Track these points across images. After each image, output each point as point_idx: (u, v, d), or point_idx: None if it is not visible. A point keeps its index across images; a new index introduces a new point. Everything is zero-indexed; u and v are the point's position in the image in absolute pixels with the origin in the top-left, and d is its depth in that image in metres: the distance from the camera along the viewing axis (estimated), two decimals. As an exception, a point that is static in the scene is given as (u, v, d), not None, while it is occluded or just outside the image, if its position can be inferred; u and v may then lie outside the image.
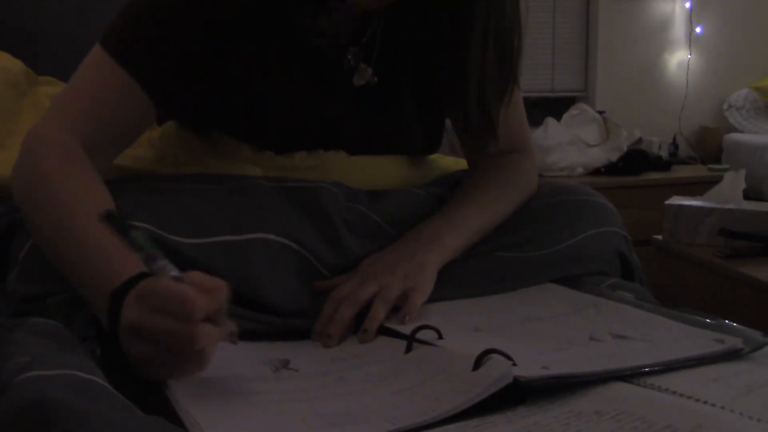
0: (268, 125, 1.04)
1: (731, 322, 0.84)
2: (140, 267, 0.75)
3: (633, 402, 0.64)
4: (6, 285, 0.87)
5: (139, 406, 0.60)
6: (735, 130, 4.46)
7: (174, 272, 0.69)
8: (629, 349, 0.78)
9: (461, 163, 1.25)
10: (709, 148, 4.52)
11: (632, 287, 1.06)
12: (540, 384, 0.66)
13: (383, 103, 1.08)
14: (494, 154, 1.13)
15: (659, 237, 2.47)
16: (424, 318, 0.87)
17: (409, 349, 0.78)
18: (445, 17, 1.00)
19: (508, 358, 0.69)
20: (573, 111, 3.93)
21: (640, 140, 4.06)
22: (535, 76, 4.55)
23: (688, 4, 4.64)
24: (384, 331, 0.86)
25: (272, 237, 0.91)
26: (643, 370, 0.71)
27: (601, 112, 3.94)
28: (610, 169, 3.71)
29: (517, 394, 0.66)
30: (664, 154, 4.18)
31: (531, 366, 0.68)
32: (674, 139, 4.46)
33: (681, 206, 2.38)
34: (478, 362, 0.68)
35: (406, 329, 0.82)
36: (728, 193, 2.36)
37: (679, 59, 4.68)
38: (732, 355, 0.76)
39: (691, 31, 4.66)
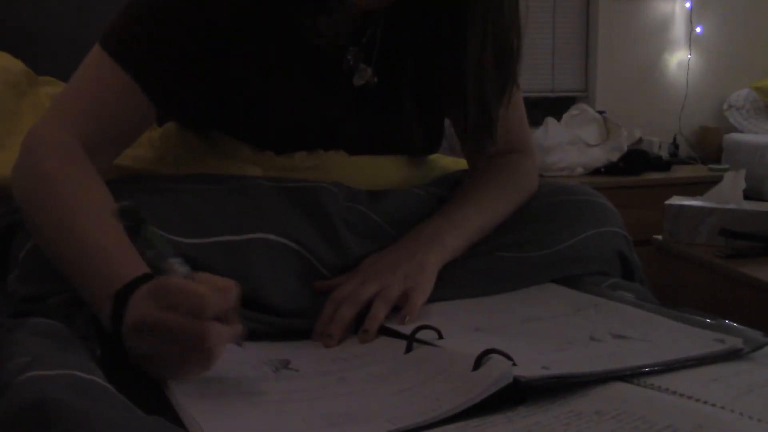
0: (268, 125, 1.03)
1: (731, 322, 0.84)
2: (142, 267, 0.75)
3: (633, 402, 0.64)
4: (6, 285, 0.87)
5: (139, 406, 0.60)
6: (735, 130, 4.46)
7: (185, 270, 0.69)
8: (629, 349, 0.78)
9: (461, 163, 1.25)
10: (710, 148, 4.52)
11: (632, 287, 1.06)
12: (540, 384, 0.66)
13: (383, 103, 1.08)
14: (494, 154, 1.13)
15: (659, 237, 2.47)
16: (424, 318, 0.87)
17: (409, 349, 0.78)
18: (444, 17, 1.00)
19: (509, 358, 0.69)
20: (573, 111, 3.93)
21: (640, 140, 4.06)
22: (536, 76, 4.55)
23: (688, 4, 4.64)
24: (384, 331, 0.86)
25: (272, 237, 0.91)
26: (643, 370, 0.71)
27: (601, 112, 3.94)
28: (610, 169, 3.71)
29: (518, 394, 0.66)
30: (664, 154, 4.19)
31: (531, 366, 0.68)
32: (674, 139, 4.47)
33: (681, 206, 2.38)
34: (479, 362, 0.68)
35: (407, 329, 0.82)
36: (728, 193, 2.36)
37: (680, 59, 4.68)
38: (732, 355, 0.76)
39: (691, 31, 4.66)
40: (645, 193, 3.56)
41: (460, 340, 0.80)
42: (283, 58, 1.00)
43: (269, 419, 0.64)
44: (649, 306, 0.93)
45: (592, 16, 4.60)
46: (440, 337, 0.80)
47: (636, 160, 3.76)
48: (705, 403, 0.64)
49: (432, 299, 0.93)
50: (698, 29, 4.66)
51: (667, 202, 2.44)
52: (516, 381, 0.65)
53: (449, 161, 1.27)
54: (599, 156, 3.72)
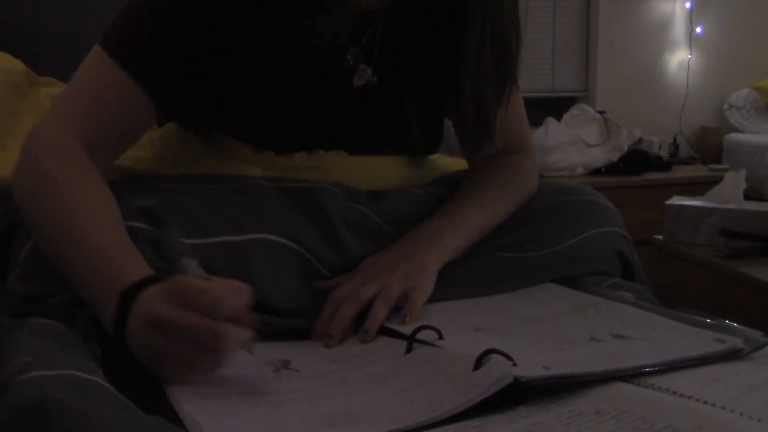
0: (268, 125, 1.03)
1: (731, 322, 0.84)
2: (146, 268, 0.75)
3: (633, 402, 0.64)
4: (6, 285, 0.87)
5: (139, 406, 0.60)
6: (735, 130, 4.46)
7: (200, 272, 0.70)
8: (629, 349, 0.78)
9: (461, 164, 1.25)
10: (710, 148, 4.52)
11: (633, 287, 1.06)
12: (540, 384, 0.66)
13: (383, 103, 1.08)
14: (494, 154, 1.13)
15: (659, 237, 2.47)
16: (424, 318, 0.87)
17: (409, 350, 0.78)
18: (444, 17, 1.00)
19: (509, 358, 0.69)
20: (573, 111, 3.94)
21: (640, 140, 4.07)
22: (536, 76, 4.55)
23: (688, 4, 4.64)
24: (384, 331, 0.86)
25: (272, 237, 0.91)
26: (643, 370, 0.71)
27: (601, 112, 3.94)
28: (610, 169, 3.71)
29: (518, 394, 0.66)
30: (664, 154, 4.19)
31: (531, 366, 0.68)
32: (675, 139, 4.47)
33: (681, 206, 2.38)
34: (479, 362, 0.68)
35: (407, 329, 0.82)
36: (729, 193, 2.36)
37: (680, 59, 4.68)
38: (732, 355, 0.76)
39: (691, 31, 4.66)
40: (645, 193, 3.56)
41: (461, 340, 0.80)
42: (283, 58, 1.00)
43: (269, 419, 0.64)
44: (649, 306, 0.93)
45: (592, 16, 4.61)
46: (440, 337, 0.80)
47: (636, 160, 3.77)
48: (705, 403, 0.64)
49: (432, 299, 0.92)
50: (698, 29, 4.67)
51: (667, 202, 2.44)
52: (516, 381, 0.65)
53: (449, 161, 1.27)
54: (599, 156, 3.72)
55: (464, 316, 0.91)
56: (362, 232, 1.00)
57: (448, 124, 1.18)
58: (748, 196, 2.43)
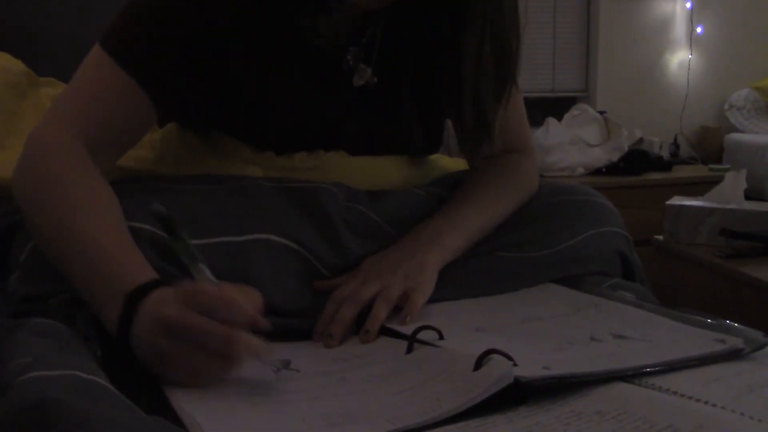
0: (268, 125, 1.03)
1: (732, 322, 0.84)
2: (147, 270, 0.75)
3: (634, 402, 0.64)
4: (6, 286, 0.87)
5: (139, 407, 0.60)
6: (736, 130, 4.46)
7: (212, 277, 0.70)
8: (630, 349, 0.78)
9: (461, 164, 1.25)
10: (710, 148, 4.52)
11: (633, 287, 1.06)
12: (541, 384, 0.66)
13: (383, 104, 1.08)
14: (495, 154, 1.13)
15: (660, 237, 2.47)
16: (425, 318, 0.87)
17: (410, 350, 0.78)
18: (444, 17, 1.00)
19: (509, 358, 0.69)
20: (574, 111, 3.94)
21: (641, 140, 4.07)
22: (536, 76, 4.55)
23: (688, 4, 4.64)
24: (385, 331, 0.86)
25: (273, 237, 0.91)
26: (644, 370, 0.71)
27: (602, 112, 3.94)
28: (611, 169, 3.71)
29: (518, 395, 0.66)
30: (665, 154, 4.19)
31: (532, 366, 0.68)
32: (675, 139, 4.47)
33: (682, 206, 2.38)
34: (479, 362, 0.68)
35: (408, 330, 0.82)
36: (729, 193, 2.36)
37: (680, 59, 4.68)
38: (733, 355, 0.76)
39: (691, 30, 4.66)
40: (645, 193, 3.56)
41: (461, 340, 0.80)
42: (283, 58, 1.00)
43: (269, 419, 0.64)
44: (650, 306, 0.93)
45: (592, 16, 4.61)
46: (441, 337, 0.80)
47: (637, 160, 3.77)
48: (706, 403, 0.64)
49: (432, 299, 0.93)
50: (699, 29, 4.66)
51: (667, 202, 2.44)
52: (517, 381, 0.65)
53: (449, 162, 1.27)
54: (600, 156, 3.72)
55: (465, 316, 0.91)
56: (362, 232, 1.00)
57: (448, 124, 1.18)
58: (748, 196, 2.43)
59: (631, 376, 0.70)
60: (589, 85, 4.66)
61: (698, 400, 0.65)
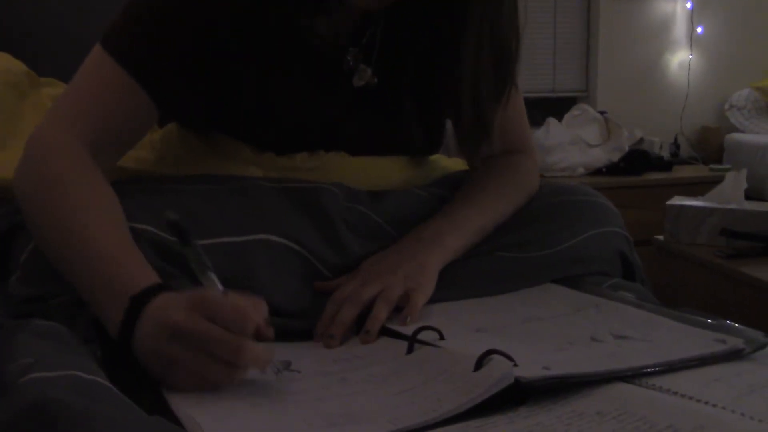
0: (268, 125, 1.03)
1: (732, 323, 0.84)
2: (150, 274, 0.76)
3: (634, 402, 0.64)
4: (7, 287, 0.87)
5: (139, 407, 0.60)
6: (736, 130, 4.46)
7: (220, 287, 0.71)
8: (630, 350, 0.78)
9: (461, 164, 1.25)
10: (711, 148, 4.51)
11: (633, 287, 1.06)
12: (541, 384, 0.66)
13: (383, 104, 1.08)
14: (495, 154, 1.13)
15: (660, 237, 2.47)
16: (425, 319, 0.87)
17: (410, 350, 0.78)
18: (444, 17, 1.00)
19: (510, 358, 0.69)
20: (574, 111, 3.93)
21: (641, 140, 4.06)
22: (536, 76, 4.55)
23: (689, 4, 4.64)
24: (386, 331, 0.86)
25: (273, 238, 0.91)
26: (644, 370, 0.71)
27: (602, 113, 3.94)
28: (611, 169, 3.71)
29: (519, 395, 0.66)
30: (665, 154, 4.18)
31: (532, 366, 0.68)
32: (675, 139, 4.46)
33: (682, 206, 2.38)
34: (480, 363, 0.68)
35: (408, 330, 0.82)
36: (729, 193, 2.36)
37: (681, 59, 4.68)
38: (733, 356, 0.76)
39: (692, 31, 4.66)
40: (646, 194, 3.56)
41: (462, 340, 0.80)
42: (283, 58, 1.00)
43: (270, 420, 0.64)
44: (650, 306, 0.93)
45: (593, 16, 4.60)
46: (441, 337, 0.80)
47: (637, 160, 3.76)
48: (706, 403, 0.64)
49: (433, 300, 0.93)
50: (699, 29, 4.66)
51: (668, 202, 2.44)
52: (517, 381, 0.65)
53: (450, 162, 1.27)
54: (600, 156, 3.72)
55: (465, 316, 0.91)
56: (363, 233, 1.00)
57: (448, 124, 1.18)
58: (748, 196, 2.43)
59: (632, 376, 0.70)
60: (589, 85, 4.65)
61: (699, 401, 0.65)
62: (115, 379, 0.64)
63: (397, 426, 0.61)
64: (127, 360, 0.71)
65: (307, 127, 1.05)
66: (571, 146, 3.68)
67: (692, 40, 4.66)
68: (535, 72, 4.53)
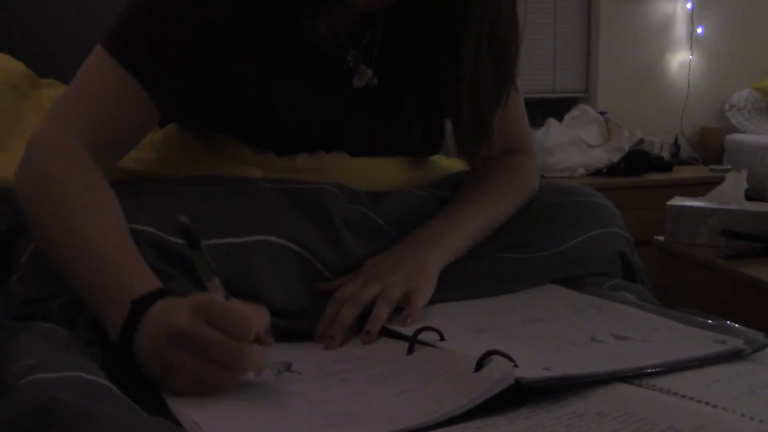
0: (268, 126, 1.03)
1: (733, 323, 0.84)
2: (151, 278, 0.76)
3: (635, 403, 0.64)
4: (8, 287, 0.87)
5: (141, 408, 0.60)
6: (737, 130, 4.46)
7: (224, 293, 0.72)
8: (631, 350, 0.78)
9: (461, 165, 1.25)
10: (711, 148, 4.51)
11: (634, 288, 1.06)
12: (542, 385, 0.66)
13: (383, 104, 1.08)
14: (495, 155, 1.13)
15: (661, 238, 2.47)
16: (426, 319, 0.87)
17: (411, 351, 0.78)
18: (443, 17, 1.00)
19: (510, 359, 0.69)
20: (574, 112, 3.93)
21: (641, 141, 4.06)
22: (537, 76, 4.55)
23: (689, 5, 4.64)
24: (386, 332, 0.86)
25: (274, 239, 0.91)
26: (645, 371, 0.71)
27: (602, 113, 3.94)
28: (611, 169, 3.71)
29: (519, 395, 0.66)
30: (665, 154, 4.19)
31: (533, 367, 0.68)
32: (676, 140, 4.46)
33: (682, 207, 2.38)
34: (480, 363, 0.68)
35: (408, 331, 0.82)
36: (730, 194, 2.36)
37: (681, 60, 4.68)
38: (734, 356, 0.76)
39: (692, 31, 4.66)
40: (646, 194, 3.56)
41: (462, 341, 0.80)
42: (283, 59, 1.00)
43: (271, 421, 0.64)
44: (651, 307, 0.93)
45: (593, 16, 4.60)
46: (442, 338, 0.80)
47: (637, 160, 3.76)
48: (706, 404, 0.64)
49: (433, 300, 0.93)
50: (699, 30, 4.66)
51: (668, 202, 2.44)
52: (518, 382, 0.65)
53: (451, 163, 1.27)
54: (600, 157, 3.72)
55: (465, 317, 0.91)
56: (363, 234, 1.00)
57: (448, 125, 1.18)
58: (749, 197, 2.43)
59: (632, 377, 0.70)
60: (589, 86, 4.65)
61: (699, 401, 0.65)
62: (116, 381, 0.64)
63: (398, 427, 0.61)
64: (127, 363, 0.71)
65: (306, 127, 1.05)
66: (571, 147, 3.68)
67: (692, 40, 4.66)
68: (535, 72, 4.54)
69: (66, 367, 0.61)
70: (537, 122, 3.71)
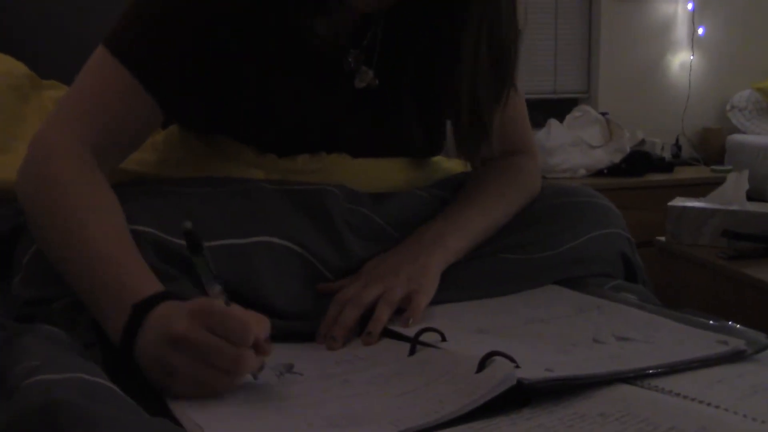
0: (269, 126, 1.03)
1: (734, 324, 0.84)
2: (153, 281, 0.76)
3: (637, 404, 0.64)
4: (10, 288, 0.87)
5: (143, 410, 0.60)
6: (738, 131, 4.45)
7: (225, 299, 0.72)
8: (633, 351, 0.78)
9: (464, 166, 1.25)
10: (712, 149, 4.51)
11: (635, 289, 1.06)
12: (544, 386, 0.66)
13: (383, 105, 1.08)
14: (497, 155, 1.13)
15: (662, 238, 2.47)
16: (427, 320, 0.87)
17: (412, 352, 0.78)
18: (443, 17, 1.00)
19: (512, 360, 0.69)
20: (576, 112, 3.93)
21: (642, 141, 4.06)
22: (538, 77, 4.54)
23: (690, 5, 4.64)
24: (388, 333, 0.86)
25: (275, 240, 0.91)
26: (646, 371, 0.71)
27: (603, 114, 3.93)
28: (612, 170, 3.71)
29: (521, 396, 0.66)
30: (666, 155, 4.18)
31: (535, 368, 0.68)
32: (677, 141, 4.46)
33: (684, 207, 2.38)
34: (482, 364, 0.68)
35: (410, 332, 0.82)
36: (731, 194, 2.36)
37: (682, 60, 4.68)
38: (735, 357, 0.76)
39: (693, 32, 4.65)
40: (647, 195, 3.56)
41: (464, 342, 0.80)
42: (284, 59, 1.00)
43: (272, 423, 0.64)
44: (652, 307, 0.93)
45: (594, 17, 4.60)
46: (443, 339, 0.80)
47: (638, 161, 3.76)
48: (708, 404, 0.64)
49: (435, 301, 0.93)
50: (700, 30, 4.66)
51: (669, 203, 2.44)
52: (520, 383, 0.65)
53: (452, 164, 1.27)
54: (602, 157, 3.72)
55: (467, 318, 0.91)
56: (365, 235, 1.00)
57: (448, 125, 1.18)
58: (750, 197, 2.42)
59: (634, 377, 0.70)
60: (590, 87, 4.65)
61: (701, 402, 0.65)
62: (117, 383, 0.64)
63: (399, 428, 0.61)
64: (128, 365, 0.71)
65: (307, 128, 1.05)
66: (572, 147, 3.68)
67: (693, 41, 4.66)
68: (536, 73, 4.53)
69: (69, 368, 0.61)
70: (538, 123, 3.71)
